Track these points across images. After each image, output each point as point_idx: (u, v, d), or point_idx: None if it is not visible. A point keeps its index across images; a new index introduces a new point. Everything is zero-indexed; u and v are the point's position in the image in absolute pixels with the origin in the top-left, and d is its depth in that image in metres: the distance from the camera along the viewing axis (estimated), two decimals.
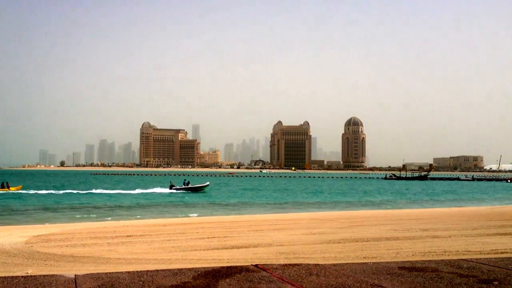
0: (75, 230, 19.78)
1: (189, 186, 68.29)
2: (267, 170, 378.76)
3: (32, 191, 64.38)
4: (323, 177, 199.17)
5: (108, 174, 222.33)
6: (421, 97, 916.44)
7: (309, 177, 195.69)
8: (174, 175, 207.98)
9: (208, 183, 73.93)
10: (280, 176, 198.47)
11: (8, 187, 64.06)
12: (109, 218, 31.09)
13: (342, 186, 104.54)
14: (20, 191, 63.29)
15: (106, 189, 73.78)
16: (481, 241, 14.79)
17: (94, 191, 67.29)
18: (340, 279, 5.52)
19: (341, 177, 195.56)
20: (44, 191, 64.84)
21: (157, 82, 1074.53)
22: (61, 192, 64.95)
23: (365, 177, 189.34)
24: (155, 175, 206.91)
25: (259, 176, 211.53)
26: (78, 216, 33.21)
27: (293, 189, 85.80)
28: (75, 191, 66.08)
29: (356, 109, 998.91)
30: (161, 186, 75.83)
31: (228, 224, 22.80)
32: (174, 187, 68.08)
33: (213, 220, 26.49)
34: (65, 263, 11.66)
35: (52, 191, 65.83)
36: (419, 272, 5.93)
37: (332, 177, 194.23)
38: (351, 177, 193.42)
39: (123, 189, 74.68)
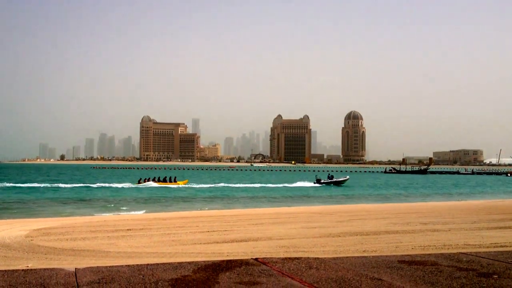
0: (75, 223, 19.82)
1: (333, 180, 74.53)
2: (267, 164, 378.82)
3: (63, 185, 65.42)
4: (323, 170, 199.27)
5: (108, 167, 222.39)
6: (420, 90, 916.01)
7: (309, 171, 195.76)
8: (175, 168, 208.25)
9: (348, 177, 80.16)
10: (271, 170, 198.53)
11: (176, 181, 67.45)
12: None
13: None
14: (186, 185, 66.32)
15: (206, 183, 75.77)
16: (481, 234, 14.82)
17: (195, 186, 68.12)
18: (340, 272, 5.53)
19: (341, 171, 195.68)
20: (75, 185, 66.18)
21: (156, 76, 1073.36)
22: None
23: (365, 171, 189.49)
24: (165, 168, 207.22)
25: (250, 170, 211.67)
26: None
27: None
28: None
29: (356, 103, 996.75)
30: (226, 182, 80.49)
31: (228, 217, 22.84)
32: (320, 181, 74.30)
33: (213, 214, 26.53)
34: (66, 257, 11.68)
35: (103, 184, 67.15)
36: (418, 265, 5.94)
37: (332, 171, 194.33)
38: (351, 171, 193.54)
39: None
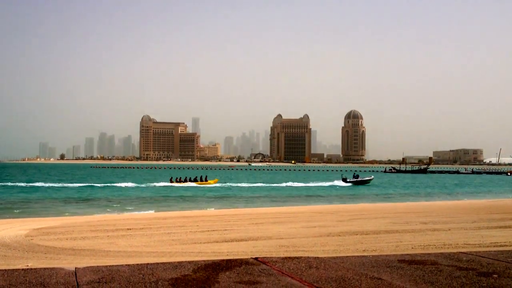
0: (75, 223, 19.83)
1: (359, 179, 76.82)
2: (267, 163, 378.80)
3: (68, 184, 65.77)
4: (323, 170, 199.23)
5: (107, 167, 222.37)
6: (420, 90, 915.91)
7: (309, 170, 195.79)
8: (175, 168, 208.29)
9: (372, 177, 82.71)
10: (271, 169, 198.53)
11: (206, 180, 68.85)
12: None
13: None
14: (216, 184, 68.03)
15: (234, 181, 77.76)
16: (481, 234, 14.83)
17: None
18: (340, 272, 5.53)
19: (341, 170, 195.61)
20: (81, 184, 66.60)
21: (156, 75, 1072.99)
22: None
23: (365, 170, 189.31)
24: (164, 168, 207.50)
25: (250, 169, 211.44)
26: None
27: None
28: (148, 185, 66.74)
29: (356, 102, 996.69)
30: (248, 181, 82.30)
31: (228, 217, 22.85)
32: (346, 180, 76.49)
33: (213, 213, 26.54)
34: (65, 256, 11.69)
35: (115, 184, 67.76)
36: (418, 265, 5.94)
37: (332, 171, 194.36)
38: (350, 170, 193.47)
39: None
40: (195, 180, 68.07)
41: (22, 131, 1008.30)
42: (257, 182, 79.76)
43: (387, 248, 12.24)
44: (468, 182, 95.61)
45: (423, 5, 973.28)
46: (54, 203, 38.51)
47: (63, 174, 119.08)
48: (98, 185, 66.45)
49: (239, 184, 72.77)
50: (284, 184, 72.52)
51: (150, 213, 29.03)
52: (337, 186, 71.16)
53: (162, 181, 72.09)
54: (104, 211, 31.43)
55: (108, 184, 67.76)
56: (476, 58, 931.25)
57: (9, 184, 64.20)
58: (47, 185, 64.33)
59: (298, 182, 79.04)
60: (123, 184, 66.55)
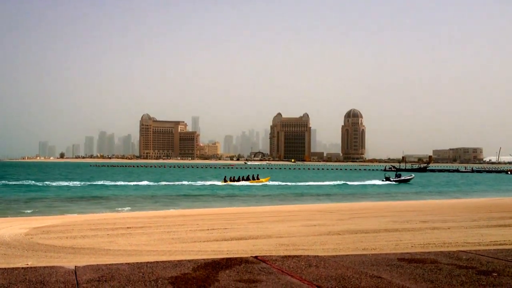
0: (75, 221, 19.83)
1: (401, 178, 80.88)
2: (267, 162, 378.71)
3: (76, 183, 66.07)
4: (322, 168, 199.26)
5: (107, 166, 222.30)
6: (420, 89, 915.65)
7: (309, 169, 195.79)
8: (174, 167, 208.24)
9: (413, 175, 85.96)
10: (271, 168, 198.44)
11: (258, 179, 71.51)
12: None
13: (351, 178, 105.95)
14: (268, 182, 70.24)
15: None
16: (480, 232, 14.84)
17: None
18: (340, 270, 5.53)
19: (341, 169, 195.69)
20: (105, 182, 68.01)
21: (156, 74, 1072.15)
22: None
23: (365, 169, 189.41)
24: (164, 167, 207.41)
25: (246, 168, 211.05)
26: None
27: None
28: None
29: (355, 101, 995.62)
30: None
31: (228, 216, 22.85)
32: (389, 179, 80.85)
33: (213, 212, 26.53)
34: (65, 255, 11.69)
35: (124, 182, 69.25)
36: (418, 263, 5.94)
37: (332, 169, 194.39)
38: (350, 169, 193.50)
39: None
40: (247, 179, 70.88)
41: (21, 129, 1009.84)
42: (284, 181, 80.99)
43: (387, 246, 12.24)
44: (468, 181, 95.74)
45: (423, 4, 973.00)
46: (66, 201, 38.56)
47: (69, 173, 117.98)
48: (131, 183, 67.66)
49: (285, 183, 74.01)
50: (313, 183, 74.21)
51: (150, 211, 29.01)
52: (380, 184, 74.52)
53: (215, 180, 75.89)
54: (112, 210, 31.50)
55: (140, 183, 68.79)
56: (476, 57, 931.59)
57: (24, 182, 64.51)
58: (72, 184, 64.86)
59: (319, 181, 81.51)
60: (178, 183, 69.68)
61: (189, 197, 45.76)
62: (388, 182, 78.86)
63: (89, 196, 44.09)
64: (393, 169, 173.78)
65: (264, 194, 49.57)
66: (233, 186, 62.51)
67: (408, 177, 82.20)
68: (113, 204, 36.08)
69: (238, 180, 70.18)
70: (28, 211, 30.04)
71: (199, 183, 70.12)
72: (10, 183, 65.02)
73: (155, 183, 68.18)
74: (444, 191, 61.38)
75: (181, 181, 76.63)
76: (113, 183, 68.75)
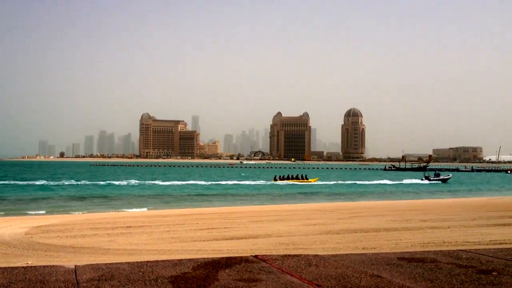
0: (75, 221, 19.83)
1: (440, 177, 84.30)
2: (266, 161, 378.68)
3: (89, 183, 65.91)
4: (322, 168, 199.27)
5: (107, 165, 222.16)
6: (420, 88, 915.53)
7: (308, 168, 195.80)
8: (174, 166, 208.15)
9: (450, 175, 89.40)
10: (270, 167, 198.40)
11: (307, 179, 73.02)
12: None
13: (351, 176, 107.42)
14: (316, 183, 71.35)
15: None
16: (480, 232, 14.84)
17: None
18: (339, 269, 5.53)
19: (341, 168, 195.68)
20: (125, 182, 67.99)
21: (156, 73, 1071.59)
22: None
23: (365, 168, 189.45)
24: (164, 166, 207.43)
25: (240, 167, 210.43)
26: None
27: None
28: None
29: (355, 100, 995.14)
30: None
31: (228, 215, 22.85)
32: (429, 178, 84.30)
33: (213, 211, 26.53)
34: (65, 254, 11.69)
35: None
36: (418, 262, 5.94)
37: (332, 168, 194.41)
38: (350, 168, 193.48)
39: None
40: (296, 178, 72.52)
41: (21, 129, 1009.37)
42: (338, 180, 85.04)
43: (387, 245, 12.25)
44: (471, 180, 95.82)
45: (423, 4, 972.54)
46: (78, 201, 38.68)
47: (76, 173, 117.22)
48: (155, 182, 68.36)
49: (330, 182, 76.03)
50: (367, 182, 77.73)
51: (150, 211, 29.03)
52: (422, 184, 77.25)
53: (263, 180, 78.69)
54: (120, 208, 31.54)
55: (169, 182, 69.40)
56: (476, 57, 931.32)
57: (37, 183, 64.67)
58: (91, 183, 65.23)
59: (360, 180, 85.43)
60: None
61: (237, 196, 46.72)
62: (427, 181, 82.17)
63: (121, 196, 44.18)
64: (393, 168, 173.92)
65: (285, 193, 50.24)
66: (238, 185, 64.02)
67: (446, 177, 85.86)
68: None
69: (288, 179, 72.18)
70: (29, 211, 30.05)
71: (245, 182, 72.54)
72: (11, 182, 65.02)
73: (206, 182, 70.63)
74: (480, 189, 64.97)
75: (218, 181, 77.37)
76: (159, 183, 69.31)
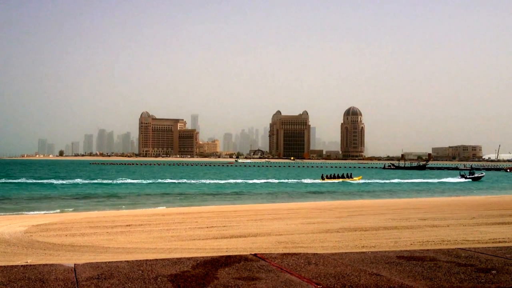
0: (75, 219, 19.82)
1: (474, 175, 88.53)
2: (266, 159, 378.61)
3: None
4: (322, 166, 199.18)
5: (106, 163, 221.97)
6: (420, 87, 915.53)
7: (308, 166, 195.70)
8: (174, 164, 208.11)
9: (483, 173, 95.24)
10: (270, 166, 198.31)
11: (352, 177, 76.67)
12: None
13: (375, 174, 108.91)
14: (360, 181, 74.63)
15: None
16: (479, 230, 14.85)
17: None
18: (339, 268, 5.54)
19: (340, 167, 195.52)
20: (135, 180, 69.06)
21: (156, 72, 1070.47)
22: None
23: (364, 167, 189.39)
24: (164, 164, 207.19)
25: (235, 165, 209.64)
26: None
27: None
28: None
29: (355, 99, 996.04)
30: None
31: (227, 213, 22.85)
32: (464, 176, 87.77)
33: (212, 210, 26.53)
34: (65, 252, 11.69)
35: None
36: (417, 261, 5.94)
37: (332, 167, 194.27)
38: (350, 167, 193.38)
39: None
40: (342, 177, 76.46)
41: (21, 127, 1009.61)
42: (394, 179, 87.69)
43: (386, 244, 12.26)
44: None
45: (423, 3, 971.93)
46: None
47: (81, 172, 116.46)
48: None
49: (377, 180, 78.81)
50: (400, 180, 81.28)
51: (149, 209, 29.01)
52: (457, 182, 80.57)
53: (310, 179, 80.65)
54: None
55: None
56: (476, 56, 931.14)
57: (53, 182, 64.74)
58: (108, 182, 65.68)
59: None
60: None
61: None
62: (463, 179, 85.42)
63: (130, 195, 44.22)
64: (392, 167, 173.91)
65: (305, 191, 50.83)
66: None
67: (480, 175, 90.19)
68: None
69: (334, 178, 75.56)
70: (28, 209, 30.03)
71: (292, 180, 74.86)
72: (14, 181, 64.99)
73: (241, 181, 72.60)
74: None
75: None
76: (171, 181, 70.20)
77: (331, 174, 79.55)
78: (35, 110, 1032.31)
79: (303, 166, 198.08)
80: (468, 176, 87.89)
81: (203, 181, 73.34)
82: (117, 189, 52.44)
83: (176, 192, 48.30)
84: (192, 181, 71.39)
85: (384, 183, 74.05)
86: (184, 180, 73.83)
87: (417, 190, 58.46)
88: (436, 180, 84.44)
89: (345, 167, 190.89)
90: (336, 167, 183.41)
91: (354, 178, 76.88)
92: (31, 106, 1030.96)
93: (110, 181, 67.27)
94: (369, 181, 77.96)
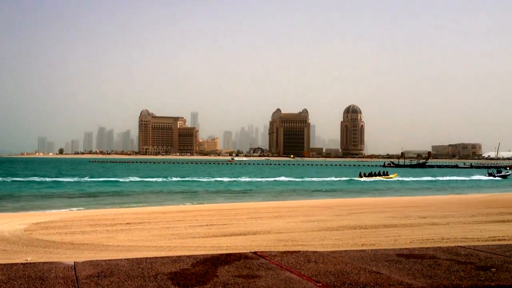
0: (75, 217, 19.83)
1: (502, 173, 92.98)
2: (266, 157, 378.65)
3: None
4: (321, 164, 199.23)
5: (107, 161, 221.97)
6: (419, 85, 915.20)
7: (308, 164, 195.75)
8: (173, 162, 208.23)
9: (510, 172, 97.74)
10: (266, 164, 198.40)
11: (388, 175, 78.50)
12: None
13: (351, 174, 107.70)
14: (396, 179, 76.56)
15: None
16: (479, 228, 14.86)
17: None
18: (339, 266, 5.53)
19: (340, 165, 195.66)
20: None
21: (155, 70, 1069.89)
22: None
23: (364, 165, 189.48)
24: (164, 163, 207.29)
25: (231, 163, 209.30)
26: None
27: None
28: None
29: (355, 97, 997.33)
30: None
31: (227, 211, 22.87)
32: (492, 174, 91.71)
33: (212, 208, 26.55)
34: (65, 251, 11.70)
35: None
36: (417, 259, 5.94)
37: (332, 165, 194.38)
38: (349, 165, 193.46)
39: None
40: (379, 175, 78.70)
41: (20, 125, 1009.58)
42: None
43: (386, 242, 12.27)
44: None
45: (423, 3, 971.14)
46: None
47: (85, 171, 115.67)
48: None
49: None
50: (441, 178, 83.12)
51: (149, 207, 29.01)
52: (486, 180, 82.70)
53: (347, 176, 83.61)
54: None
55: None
56: (475, 54, 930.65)
57: (66, 180, 64.69)
58: (125, 180, 65.97)
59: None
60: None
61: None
62: (492, 177, 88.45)
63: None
64: (392, 165, 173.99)
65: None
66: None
67: (507, 173, 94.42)
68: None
69: (372, 176, 77.59)
70: (28, 207, 30.04)
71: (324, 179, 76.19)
72: (10, 179, 64.99)
73: (271, 179, 73.02)
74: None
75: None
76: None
77: (369, 172, 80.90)
78: (35, 108, 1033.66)
79: (303, 164, 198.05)
80: (496, 175, 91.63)
81: (218, 179, 73.81)
82: (142, 187, 53.11)
83: (201, 190, 49.39)
84: (204, 179, 71.60)
85: (418, 180, 76.19)
86: (195, 178, 73.97)
87: (454, 187, 59.94)
88: (467, 178, 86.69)
89: (345, 165, 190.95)
90: (336, 165, 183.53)
91: (390, 176, 78.80)
92: (30, 104, 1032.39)
93: (121, 180, 67.15)
94: (404, 178, 79.28)
